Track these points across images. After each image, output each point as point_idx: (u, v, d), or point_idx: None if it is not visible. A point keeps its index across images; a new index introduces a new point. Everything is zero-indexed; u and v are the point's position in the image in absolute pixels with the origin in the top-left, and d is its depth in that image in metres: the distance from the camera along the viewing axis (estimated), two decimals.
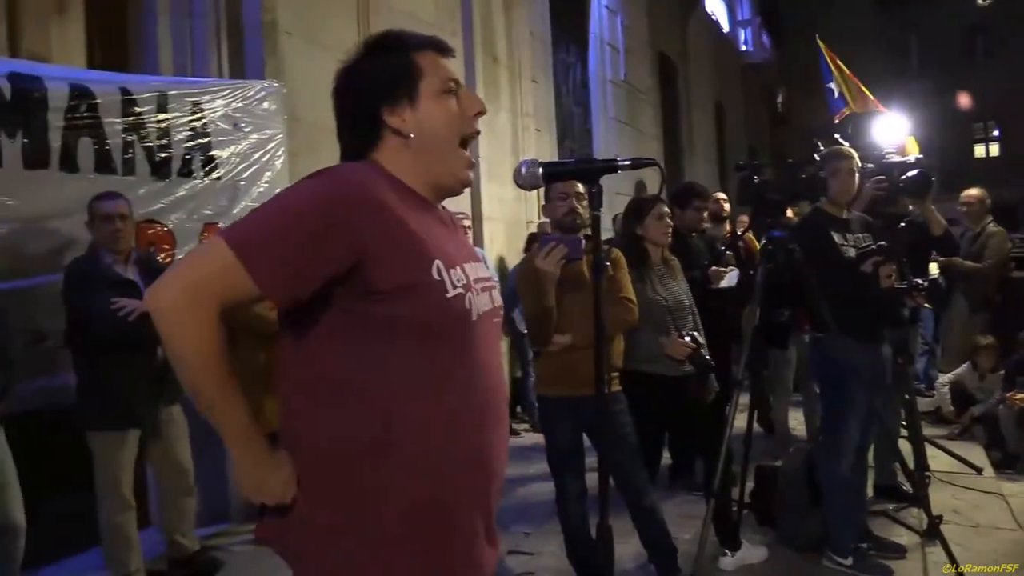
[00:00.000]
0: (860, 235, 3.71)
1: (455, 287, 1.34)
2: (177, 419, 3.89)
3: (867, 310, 3.59)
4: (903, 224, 3.95)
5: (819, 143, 3.60)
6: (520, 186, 1.53)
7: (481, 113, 1.47)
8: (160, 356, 3.67)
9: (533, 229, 7.75)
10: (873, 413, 3.63)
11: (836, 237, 3.63)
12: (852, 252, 3.62)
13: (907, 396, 4.61)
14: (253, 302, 1.31)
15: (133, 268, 3.71)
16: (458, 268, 1.37)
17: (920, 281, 3.95)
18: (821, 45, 8.52)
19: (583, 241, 3.16)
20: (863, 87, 8.27)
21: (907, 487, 4.45)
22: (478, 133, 1.46)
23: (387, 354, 1.31)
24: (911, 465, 4.14)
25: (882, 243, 3.63)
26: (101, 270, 3.59)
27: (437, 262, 1.33)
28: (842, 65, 8.38)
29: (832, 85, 8.35)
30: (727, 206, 6.34)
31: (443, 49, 1.48)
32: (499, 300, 1.52)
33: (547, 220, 4.02)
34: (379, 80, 1.43)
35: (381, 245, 1.29)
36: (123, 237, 3.64)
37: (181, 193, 4.23)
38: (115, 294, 3.50)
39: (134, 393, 3.62)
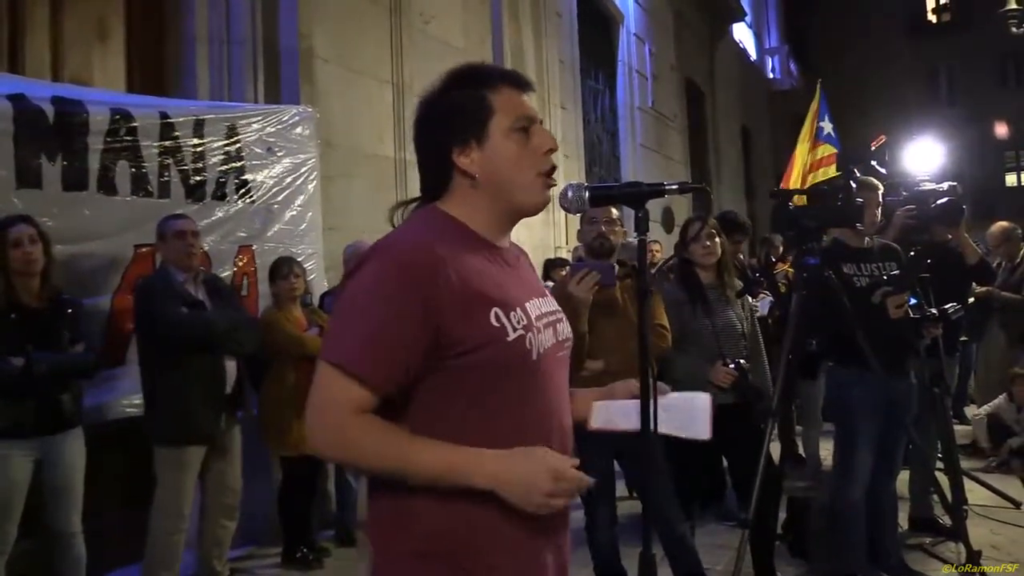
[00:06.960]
0: (880, 264, 3.66)
1: (515, 329, 1.35)
2: (236, 438, 3.90)
3: (879, 341, 3.47)
4: (913, 253, 3.83)
5: (855, 170, 3.56)
6: (565, 209, 1.53)
7: (552, 150, 1.45)
8: (230, 373, 3.73)
9: (561, 254, 7.74)
10: (896, 443, 3.62)
11: (848, 267, 3.59)
12: (865, 282, 3.58)
13: (944, 427, 4.51)
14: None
15: (201, 288, 3.78)
16: (518, 309, 1.38)
17: (933, 311, 3.85)
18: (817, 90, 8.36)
19: (615, 267, 3.14)
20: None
21: (944, 520, 4.36)
22: (553, 168, 1.44)
23: (462, 402, 1.33)
24: (949, 498, 4.05)
25: (894, 273, 3.57)
26: (174, 287, 3.65)
27: (495, 309, 1.34)
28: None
29: (824, 124, 8.16)
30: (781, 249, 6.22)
31: (521, 84, 1.47)
32: (565, 332, 1.52)
33: (580, 244, 4.02)
34: (449, 119, 1.42)
35: (447, 305, 1.30)
36: (194, 253, 3.72)
37: (215, 216, 4.27)
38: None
39: (202, 410, 3.63)
